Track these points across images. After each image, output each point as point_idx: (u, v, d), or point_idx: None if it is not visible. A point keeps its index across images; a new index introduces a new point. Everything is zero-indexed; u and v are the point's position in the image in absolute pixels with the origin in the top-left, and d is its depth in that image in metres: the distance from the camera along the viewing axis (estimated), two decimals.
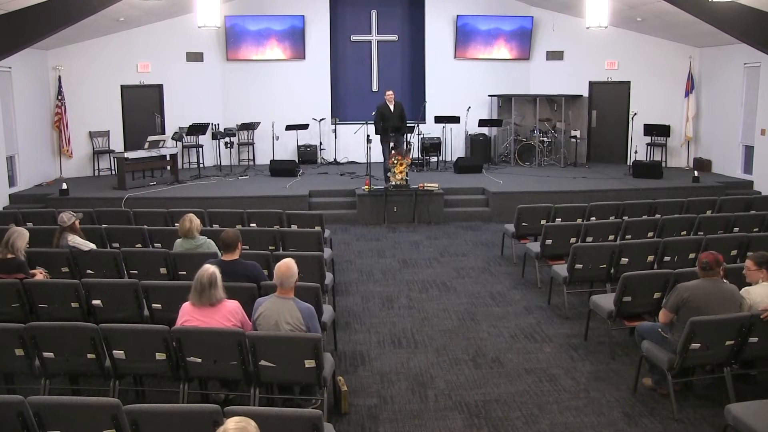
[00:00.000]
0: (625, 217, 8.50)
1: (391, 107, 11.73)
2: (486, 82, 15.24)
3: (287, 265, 4.62)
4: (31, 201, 11.60)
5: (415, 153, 14.27)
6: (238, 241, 5.50)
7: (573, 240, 7.65)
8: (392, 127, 11.72)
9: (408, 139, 13.67)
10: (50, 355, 4.69)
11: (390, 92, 11.90)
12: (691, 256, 6.95)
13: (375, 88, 15.37)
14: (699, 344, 4.78)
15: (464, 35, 15.27)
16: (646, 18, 13.25)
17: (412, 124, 13.88)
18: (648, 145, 14.76)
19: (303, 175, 13.42)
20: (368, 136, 12.02)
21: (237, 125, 14.78)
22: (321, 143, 15.09)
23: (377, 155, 12.38)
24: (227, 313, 4.66)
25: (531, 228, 8.73)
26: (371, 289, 8.01)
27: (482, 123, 14.75)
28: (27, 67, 12.52)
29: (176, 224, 8.32)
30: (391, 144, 11.98)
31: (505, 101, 15.15)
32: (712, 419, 4.86)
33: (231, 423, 2.64)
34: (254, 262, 5.66)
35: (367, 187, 11.52)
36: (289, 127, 14.49)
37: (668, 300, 5.09)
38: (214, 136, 14.24)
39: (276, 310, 4.60)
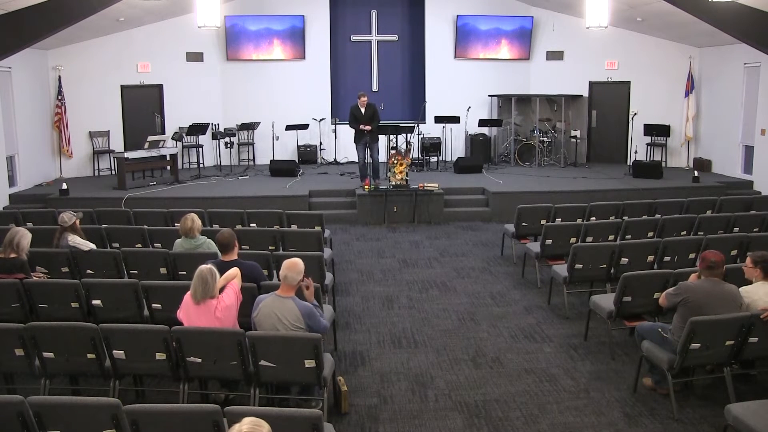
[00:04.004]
0: (625, 217, 8.50)
1: (362, 110, 11.72)
2: (486, 82, 15.25)
3: (294, 262, 4.71)
4: (31, 201, 11.60)
5: (415, 153, 14.28)
6: (234, 241, 5.50)
7: (573, 240, 7.65)
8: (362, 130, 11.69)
9: (408, 139, 13.70)
10: (50, 355, 4.69)
11: (364, 98, 11.79)
12: (691, 256, 6.96)
13: (375, 88, 15.38)
14: (699, 344, 4.78)
15: (464, 35, 15.28)
16: (646, 18, 13.25)
17: (412, 124, 13.90)
18: (648, 145, 14.76)
19: (303, 175, 13.42)
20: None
21: (237, 125, 14.78)
22: (321, 143, 15.09)
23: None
24: (224, 309, 4.71)
25: (531, 228, 8.73)
26: (371, 289, 8.01)
27: (482, 123, 14.75)
28: (27, 67, 12.52)
29: (176, 224, 8.35)
30: (395, 146, 11.99)
31: (505, 101, 15.16)
32: (712, 419, 4.86)
33: (245, 423, 2.64)
34: (254, 262, 5.66)
35: (367, 187, 11.53)
36: (289, 127, 14.50)
37: (670, 293, 5.07)
38: (214, 136, 14.24)
39: (275, 308, 4.61)
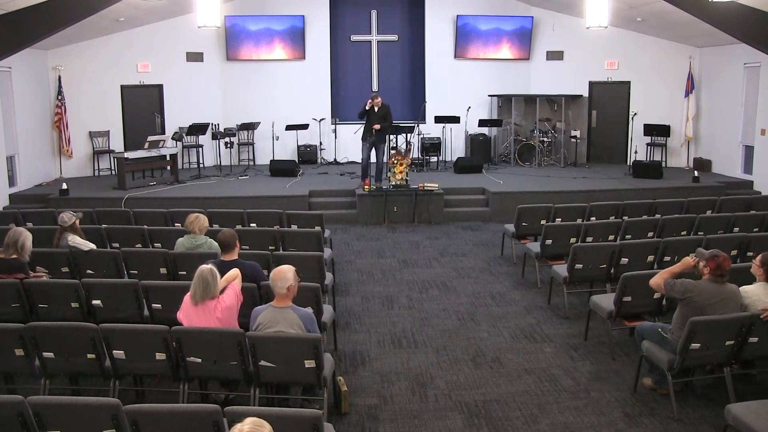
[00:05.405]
0: (625, 217, 8.50)
1: (376, 109, 11.63)
2: (486, 82, 15.25)
3: (280, 270, 4.57)
4: (31, 201, 11.60)
5: (415, 153, 14.28)
6: (235, 240, 5.50)
7: (573, 240, 7.65)
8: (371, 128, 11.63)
9: (408, 139, 13.70)
10: (50, 355, 4.69)
11: (378, 99, 11.65)
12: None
13: (375, 88, 15.37)
14: (699, 344, 4.78)
15: (464, 35, 15.28)
16: (646, 18, 13.25)
17: (412, 124, 13.90)
18: (648, 145, 14.76)
19: (303, 175, 13.42)
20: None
21: (237, 125, 14.78)
22: (321, 143, 15.09)
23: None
24: (225, 310, 4.71)
25: (531, 228, 8.73)
26: (371, 289, 8.01)
27: (482, 123, 14.75)
28: (27, 67, 12.52)
29: (177, 224, 8.37)
30: (395, 146, 11.95)
31: (505, 101, 15.16)
32: (712, 419, 4.86)
33: (247, 423, 2.65)
34: (254, 262, 5.66)
35: (367, 187, 11.54)
36: (289, 127, 14.50)
37: (673, 287, 5.02)
38: (214, 136, 14.24)
39: (275, 321, 4.55)
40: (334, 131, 15.20)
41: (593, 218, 8.75)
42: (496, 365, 5.88)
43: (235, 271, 5.02)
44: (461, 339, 6.46)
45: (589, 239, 7.75)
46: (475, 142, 14.83)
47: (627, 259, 6.76)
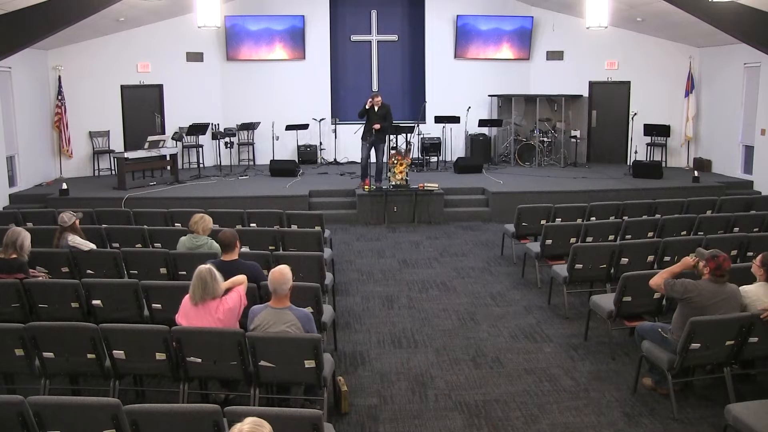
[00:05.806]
0: (625, 217, 8.50)
1: (376, 108, 11.59)
2: (486, 82, 15.25)
3: (281, 272, 4.55)
4: (31, 201, 11.60)
5: (415, 153, 14.28)
6: (236, 240, 5.51)
7: (573, 240, 7.65)
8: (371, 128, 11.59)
9: (408, 139, 13.70)
10: (50, 355, 4.69)
11: (378, 98, 11.56)
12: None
13: (375, 88, 15.37)
14: (699, 344, 4.78)
15: (464, 35, 15.28)
16: (646, 18, 13.25)
17: (412, 124, 13.90)
18: (648, 145, 14.76)
19: (303, 175, 13.42)
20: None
21: (237, 125, 14.79)
22: (321, 143, 15.10)
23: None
24: (227, 311, 4.70)
25: (531, 228, 8.73)
26: (371, 289, 8.02)
27: (482, 123, 14.75)
28: (27, 67, 12.52)
29: (176, 224, 8.37)
30: (395, 146, 11.93)
31: (505, 101, 15.16)
32: (712, 419, 4.86)
33: (247, 423, 2.65)
34: (254, 262, 5.66)
35: (367, 187, 11.54)
36: (289, 127, 14.50)
37: (672, 287, 5.02)
38: (214, 136, 14.25)
39: (273, 323, 4.55)
40: (334, 131, 15.20)
41: (593, 218, 8.75)
42: (496, 365, 5.88)
43: (242, 277, 5.02)
44: (461, 339, 6.46)
45: (589, 239, 7.75)
46: (475, 142, 14.83)
47: (627, 259, 6.76)
